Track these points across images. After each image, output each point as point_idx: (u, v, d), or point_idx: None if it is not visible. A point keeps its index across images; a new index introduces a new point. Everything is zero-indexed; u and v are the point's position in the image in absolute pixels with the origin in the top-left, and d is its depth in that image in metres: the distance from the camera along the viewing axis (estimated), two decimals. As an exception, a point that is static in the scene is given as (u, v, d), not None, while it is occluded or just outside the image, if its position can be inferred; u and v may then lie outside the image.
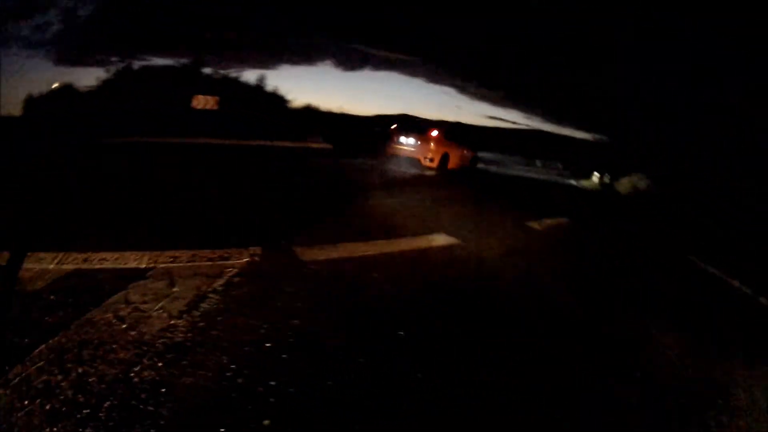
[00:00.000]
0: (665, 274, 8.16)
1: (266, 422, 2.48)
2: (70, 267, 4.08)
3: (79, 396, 2.48)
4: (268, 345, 3.18)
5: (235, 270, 4.30)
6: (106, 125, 13.56)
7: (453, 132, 17.31)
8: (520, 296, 5.16)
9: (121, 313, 3.30)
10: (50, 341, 2.93)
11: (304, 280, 4.36)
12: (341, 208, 7.92)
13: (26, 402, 2.42)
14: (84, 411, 2.38)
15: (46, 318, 3.22)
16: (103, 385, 2.57)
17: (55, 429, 2.26)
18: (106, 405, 2.43)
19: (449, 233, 6.87)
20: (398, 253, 5.68)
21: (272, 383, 2.77)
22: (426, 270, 5.34)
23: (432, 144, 16.42)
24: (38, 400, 2.43)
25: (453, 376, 3.27)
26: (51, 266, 4.07)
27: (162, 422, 2.34)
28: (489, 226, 8.40)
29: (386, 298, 4.36)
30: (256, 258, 4.64)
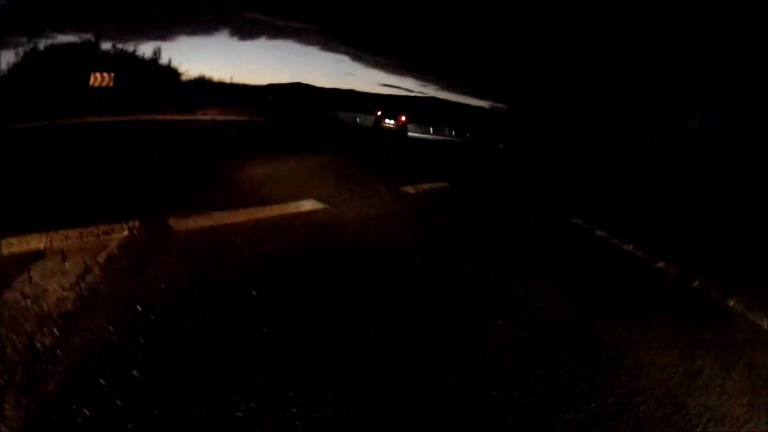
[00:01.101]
0: (548, 235, 8.80)
1: (135, 373, 3.26)
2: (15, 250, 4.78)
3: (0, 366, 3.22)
4: (139, 309, 4.02)
5: (116, 243, 5.09)
6: (11, 110, 13.49)
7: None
8: (377, 258, 5.92)
9: (26, 290, 4.08)
10: None
11: (174, 249, 5.17)
12: (223, 179, 8.60)
13: None
14: (2, 378, 3.10)
15: None
16: (16, 354, 3.33)
17: None
18: (19, 369, 3.18)
19: (319, 199, 7.59)
20: (264, 219, 6.43)
21: (141, 341, 3.59)
22: (287, 234, 6.10)
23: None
24: None
25: (298, 331, 4.05)
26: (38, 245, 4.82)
27: (59, 378, 3.12)
28: (362, 191, 9.08)
29: (245, 260, 5.17)
30: (135, 231, 5.39)
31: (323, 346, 3.92)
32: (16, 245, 4.90)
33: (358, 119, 37.96)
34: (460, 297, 5.26)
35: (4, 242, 4.91)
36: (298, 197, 7.60)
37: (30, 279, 4.27)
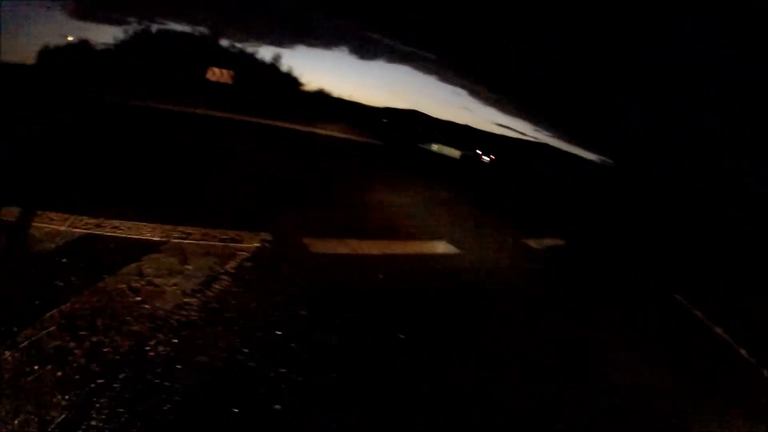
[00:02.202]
0: (649, 309, 8.06)
1: (277, 407, 2.59)
2: (82, 231, 4.14)
3: (93, 365, 2.54)
4: (278, 333, 3.29)
5: (247, 254, 4.37)
6: (120, 85, 13.39)
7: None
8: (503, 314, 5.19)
9: (135, 284, 3.38)
10: (62, 306, 2.98)
11: (313, 273, 4.44)
12: (350, 201, 7.92)
13: (36, 367, 2.46)
14: (98, 381, 2.44)
15: (57, 281, 3.27)
16: (117, 357, 2.63)
17: (66, 396, 2.30)
18: (120, 376, 2.50)
19: (450, 241, 6.86)
20: (400, 257, 5.73)
21: (282, 370, 2.89)
22: (424, 277, 5.38)
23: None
24: (49, 366, 2.47)
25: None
26: (62, 228, 4.12)
27: (177, 398, 2.44)
28: (489, 239, 8.22)
29: (390, 298, 4.47)
30: (267, 244, 4.70)
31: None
32: (123, 230, 4.27)
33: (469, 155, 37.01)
34: (556, 360, 4.47)
35: (108, 223, 4.32)
36: (426, 233, 6.94)
37: (140, 272, 3.56)
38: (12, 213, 4.23)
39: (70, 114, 10.17)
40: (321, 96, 27.77)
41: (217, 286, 3.64)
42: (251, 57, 24.11)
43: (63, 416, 2.26)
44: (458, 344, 4.02)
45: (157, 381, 2.53)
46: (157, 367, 2.63)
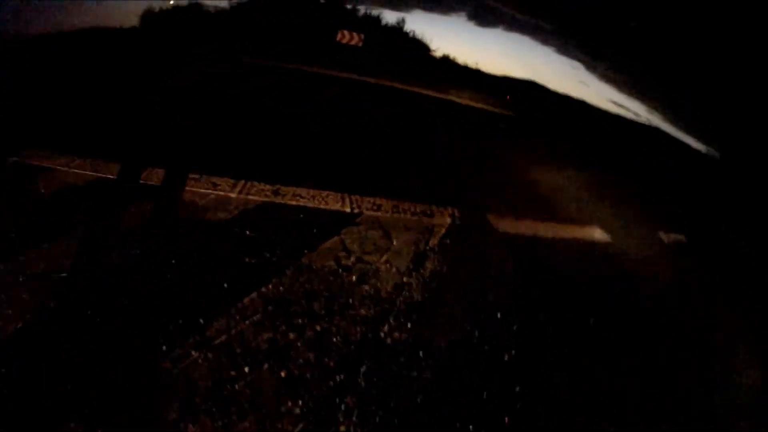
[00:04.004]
0: None
1: (517, 389, 2.46)
2: (257, 198, 3.92)
3: (325, 359, 2.31)
4: (498, 314, 3.07)
5: (443, 230, 4.12)
6: (239, 48, 13.33)
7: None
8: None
9: (344, 262, 3.17)
10: (262, 289, 2.73)
11: (506, 252, 4.17)
12: (510, 179, 7.50)
13: (246, 369, 2.21)
14: (337, 377, 2.22)
15: (246, 258, 3.03)
16: (352, 347, 2.42)
17: (300, 402, 2.08)
18: (362, 370, 2.29)
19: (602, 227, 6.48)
20: (574, 240, 5.38)
21: (513, 351, 2.72)
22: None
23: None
24: (265, 365, 2.23)
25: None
26: (232, 195, 3.90)
27: (428, 389, 2.28)
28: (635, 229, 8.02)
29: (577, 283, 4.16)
30: (457, 221, 4.42)
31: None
32: (306, 198, 4.07)
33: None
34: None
35: (288, 191, 4.14)
36: (581, 217, 6.44)
37: (346, 248, 3.34)
38: (156, 176, 4.03)
39: (210, 74, 10.14)
40: (447, 62, 27.20)
41: (428, 265, 3.38)
42: (376, 20, 23.81)
43: (300, 427, 2.01)
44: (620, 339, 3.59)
45: (405, 372, 2.34)
46: (399, 355, 2.43)
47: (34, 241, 2.98)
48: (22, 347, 2.25)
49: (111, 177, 4.01)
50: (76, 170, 4.06)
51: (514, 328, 2.92)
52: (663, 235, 7.61)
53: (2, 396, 2.03)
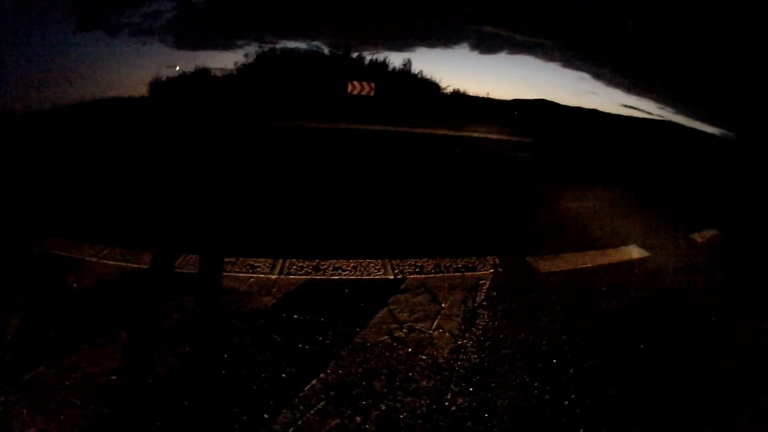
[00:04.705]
0: None
1: None
2: (299, 277, 3.95)
3: None
4: (554, 361, 3.09)
5: (487, 282, 4.14)
6: (253, 110, 13.56)
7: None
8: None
9: (397, 334, 3.21)
10: (321, 375, 2.77)
11: (554, 294, 4.16)
12: (540, 211, 7.51)
13: None
14: None
15: (300, 344, 3.07)
16: (420, 421, 2.45)
17: None
18: None
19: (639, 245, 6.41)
20: (611, 266, 5.30)
21: (572, 397, 2.73)
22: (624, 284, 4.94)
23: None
24: None
25: None
26: (272, 276, 3.93)
27: None
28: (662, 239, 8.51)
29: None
30: (499, 269, 4.45)
31: None
32: (347, 270, 4.13)
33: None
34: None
35: (327, 264, 4.21)
36: (615, 238, 6.38)
37: (396, 319, 3.39)
38: (190, 263, 4.09)
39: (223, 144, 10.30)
40: (459, 96, 27.37)
41: (480, 322, 3.41)
42: (383, 65, 24.05)
43: None
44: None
45: None
46: (466, 421, 2.46)
47: (74, 342, 2.99)
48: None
49: (144, 267, 4.03)
50: (105, 261, 4.09)
51: (570, 371, 2.93)
52: (697, 236, 7.54)
53: None
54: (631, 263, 5.26)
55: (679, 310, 4.17)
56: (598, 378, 2.91)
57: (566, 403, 2.64)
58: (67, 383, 2.61)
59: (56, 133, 8.53)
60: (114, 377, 2.70)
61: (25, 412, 2.39)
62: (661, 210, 9.01)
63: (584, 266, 4.88)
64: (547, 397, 2.68)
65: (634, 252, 5.73)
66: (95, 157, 7.45)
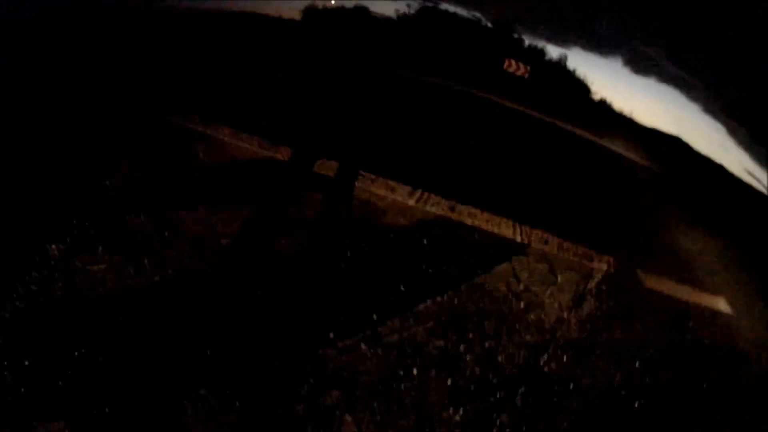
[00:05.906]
0: None
1: None
2: (435, 210, 4.30)
3: (489, 375, 2.64)
4: (637, 364, 3.27)
5: (600, 276, 4.36)
6: (399, 60, 13.56)
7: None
8: None
9: (514, 288, 3.56)
10: (437, 298, 3.08)
11: (650, 308, 4.30)
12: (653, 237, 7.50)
13: (414, 371, 2.45)
14: (498, 393, 2.53)
15: (424, 266, 3.39)
16: (514, 369, 2.76)
17: (461, 410, 2.34)
18: (520, 391, 2.61)
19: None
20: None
21: (643, 401, 2.91)
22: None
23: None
24: (433, 371, 2.50)
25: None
26: (410, 202, 4.27)
27: (572, 419, 2.56)
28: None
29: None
30: (612, 269, 4.65)
31: None
32: (480, 220, 4.45)
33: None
34: None
35: (463, 209, 4.50)
36: (708, 285, 6.16)
37: (516, 275, 3.74)
38: (329, 167, 4.34)
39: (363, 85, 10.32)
40: (604, 106, 26.31)
41: (585, 306, 3.73)
42: (541, 53, 23.35)
43: (456, 432, 2.28)
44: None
45: (555, 399, 2.67)
46: (554, 384, 2.77)
47: (191, 205, 3.18)
48: (169, 304, 2.41)
49: (280, 158, 4.29)
50: (241, 143, 4.33)
51: (647, 380, 3.15)
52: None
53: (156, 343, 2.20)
54: (715, 313, 5.25)
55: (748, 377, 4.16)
56: (671, 395, 3.12)
57: (636, 405, 2.88)
58: (171, 239, 2.89)
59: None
60: (225, 241, 2.98)
61: (100, 249, 2.64)
62: (759, 281, 8.70)
63: (680, 297, 4.99)
64: (623, 392, 2.93)
65: (721, 304, 5.71)
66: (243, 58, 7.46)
